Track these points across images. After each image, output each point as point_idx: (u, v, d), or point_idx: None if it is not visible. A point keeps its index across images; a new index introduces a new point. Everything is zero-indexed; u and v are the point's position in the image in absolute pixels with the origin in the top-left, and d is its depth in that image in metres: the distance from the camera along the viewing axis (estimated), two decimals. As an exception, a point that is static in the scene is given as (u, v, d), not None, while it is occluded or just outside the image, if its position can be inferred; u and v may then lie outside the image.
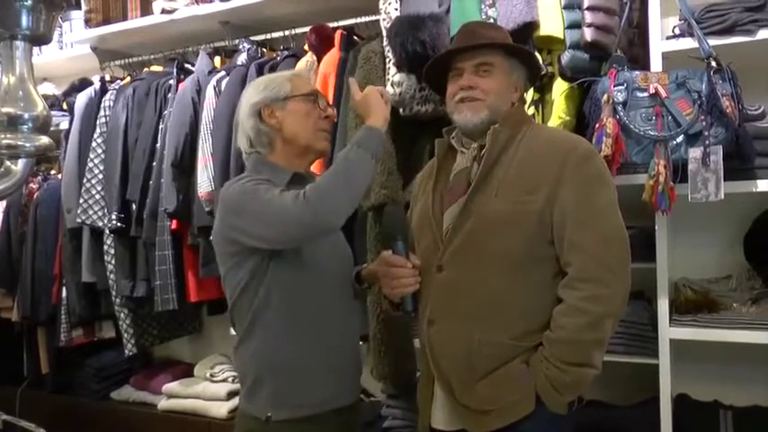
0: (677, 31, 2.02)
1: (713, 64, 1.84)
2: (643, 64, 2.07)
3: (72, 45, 3.27)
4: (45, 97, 3.19)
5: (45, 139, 0.94)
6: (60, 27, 3.36)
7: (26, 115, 0.90)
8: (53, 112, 3.22)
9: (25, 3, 0.87)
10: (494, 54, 1.59)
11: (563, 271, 1.48)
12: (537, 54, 2.02)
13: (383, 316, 2.14)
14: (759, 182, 1.95)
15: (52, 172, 3.30)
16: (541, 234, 1.47)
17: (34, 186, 3.20)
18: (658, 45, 2.00)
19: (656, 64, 1.99)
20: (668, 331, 2.02)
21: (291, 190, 1.54)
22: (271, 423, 1.61)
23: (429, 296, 1.58)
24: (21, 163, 0.92)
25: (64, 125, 3.11)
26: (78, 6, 3.10)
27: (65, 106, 3.21)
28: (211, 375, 2.86)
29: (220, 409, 2.74)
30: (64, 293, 3.02)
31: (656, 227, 2.02)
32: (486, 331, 1.49)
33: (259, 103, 1.67)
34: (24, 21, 0.88)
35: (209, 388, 2.83)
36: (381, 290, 1.69)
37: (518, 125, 1.58)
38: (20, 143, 0.90)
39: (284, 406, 1.61)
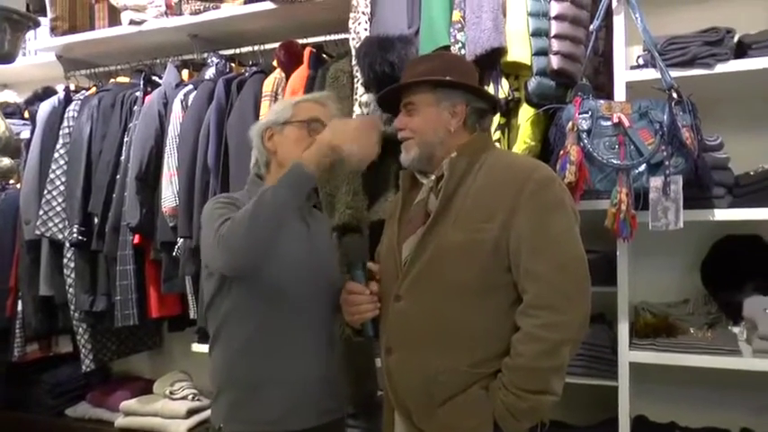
0: (641, 61, 2.07)
1: (674, 95, 1.89)
2: (608, 92, 2.12)
3: (36, 52, 3.19)
4: (6, 105, 3.16)
5: (6, 161, 0.93)
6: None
7: (-13, 137, 0.88)
8: (13, 121, 3.15)
9: (-11, 24, 0.85)
10: (416, 91, 1.61)
11: (521, 297, 1.48)
12: (504, 79, 2.06)
13: (344, 336, 2.13)
14: (716, 211, 2.00)
15: (11, 182, 3.21)
16: (497, 262, 1.47)
17: (-9, 196, 3.12)
18: (622, 74, 2.04)
19: (620, 93, 2.04)
20: (628, 355, 2.06)
21: None
22: None
23: (387, 325, 1.60)
24: (-20, 184, 0.90)
25: (25, 134, 3.03)
26: (44, 13, 3.05)
27: (26, 115, 3.13)
28: (171, 393, 2.81)
29: (179, 428, 2.69)
30: (19, 307, 2.94)
31: (618, 252, 2.06)
32: (443, 359, 1.49)
33: (264, 125, 1.75)
34: (-12, 41, 0.86)
35: (169, 405, 2.78)
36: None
37: (477, 153, 1.58)
38: (-21, 165, 0.88)
39: (235, 419, 1.64)
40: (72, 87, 3.02)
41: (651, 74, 2.00)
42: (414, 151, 1.60)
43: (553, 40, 1.97)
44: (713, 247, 2.30)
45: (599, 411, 2.34)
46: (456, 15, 2.06)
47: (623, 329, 2.06)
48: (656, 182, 1.90)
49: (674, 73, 1.96)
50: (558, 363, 1.42)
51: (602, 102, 1.95)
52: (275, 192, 1.49)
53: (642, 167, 1.90)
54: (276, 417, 1.62)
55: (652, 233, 1.96)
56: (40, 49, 3.12)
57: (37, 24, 0.95)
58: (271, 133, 1.72)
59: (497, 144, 2.02)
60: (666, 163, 1.88)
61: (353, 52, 2.18)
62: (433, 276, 1.52)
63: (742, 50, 2.00)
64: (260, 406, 1.62)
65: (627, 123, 1.91)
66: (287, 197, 1.50)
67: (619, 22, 2.04)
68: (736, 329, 2.15)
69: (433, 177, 1.60)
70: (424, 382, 1.51)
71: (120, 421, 2.83)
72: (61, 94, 2.97)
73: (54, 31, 2.96)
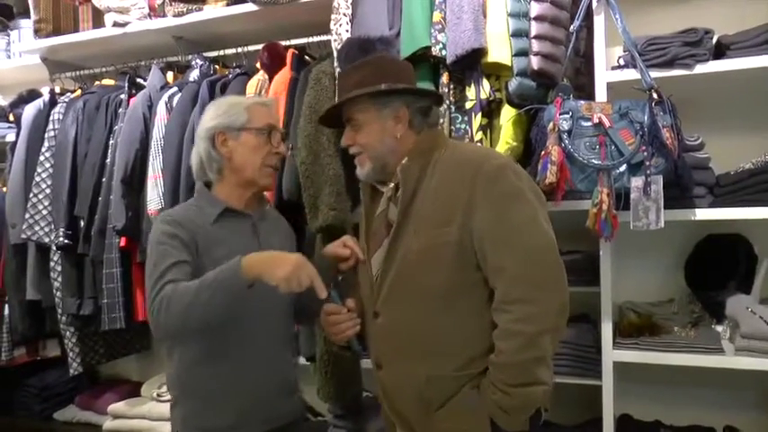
0: (622, 62, 2.07)
1: (654, 96, 1.89)
2: (589, 92, 2.12)
3: (20, 55, 3.18)
4: (-10, 107, 3.13)
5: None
6: (8, 36, 3.28)
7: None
8: (-2, 124, 3.14)
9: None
10: (355, 105, 1.59)
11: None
12: (485, 80, 2.05)
13: (333, 353, 2.13)
14: (698, 210, 2.01)
15: (-4, 185, 3.20)
16: (464, 262, 1.46)
17: (-24, 200, 3.10)
18: (603, 75, 2.04)
19: (600, 93, 2.04)
20: (611, 354, 2.07)
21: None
22: None
23: (371, 341, 1.61)
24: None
25: (10, 137, 3.03)
26: (28, 15, 3.04)
27: (11, 118, 3.11)
28: (158, 395, 2.81)
29: (167, 430, 2.69)
30: (6, 311, 2.93)
31: (601, 252, 2.06)
32: (430, 368, 1.50)
33: (214, 128, 1.68)
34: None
35: (156, 408, 2.77)
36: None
37: (428, 153, 1.56)
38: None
39: (192, 428, 1.66)
40: (57, 90, 3.00)
41: (632, 74, 2.00)
42: (367, 165, 1.60)
43: (533, 40, 1.97)
44: (696, 247, 2.30)
45: (584, 411, 2.35)
46: (436, 16, 2.06)
47: (607, 329, 2.07)
48: (636, 182, 1.90)
49: (654, 73, 1.96)
50: (539, 353, 1.41)
51: (582, 102, 1.96)
52: (211, 294, 1.44)
53: (623, 168, 1.91)
54: (229, 423, 1.63)
55: (636, 233, 1.96)
56: (24, 52, 3.11)
57: (5, 26, 0.93)
58: (224, 138, 1.67)
59: (480, 144, 2.03)
60: (647, 163, 1.88)
61: (335, 54, 2.18)
62: (405, 287, 1.52)
63: (720, 51, 2.00)
64: (213, 414, 1.63)
65: (607, 124, 1.91)
66: (221, 300, 1.46)
67: (599, 22, 2.04)
68: (719, 328, 2.16)
69: (391, 186, 1.59)
70: (416, 392, 1.52)
71: (108, 424, 2.83)
72: (46, 97, 2.95)
73: (38, 33, 2.95)
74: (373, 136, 1.58)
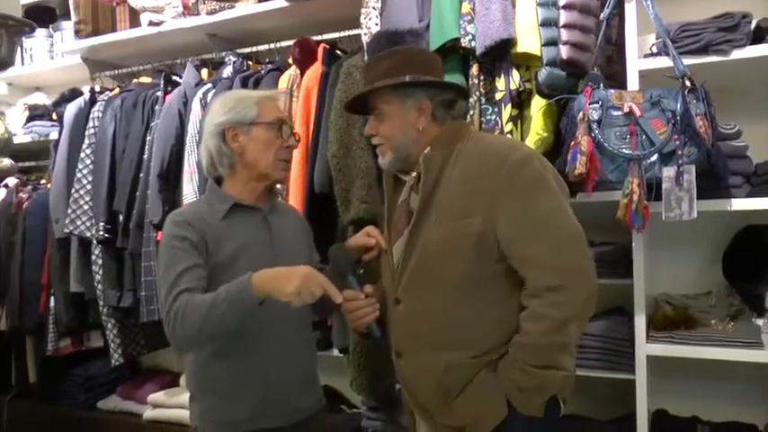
0: (654, 49, 2.03)
1: (687, 83, 1.85)
2: (622, 81, 2.08)
3: (63, 55, 3.29)
4: (35, 107, 3.25)
5: (6, 161, 0.96)
6: (51, 37, 3.39)
7: (-13, 139, 0.92)
8: (42, 122, 3.24)
9: (-15, 31, 0.89)
10: (379, 95, 1.59)
11: (515, 286, 1.47)
12: (514, 70, 2.04)
13: (357, 340, 2.15)
14: (733, 200, 1.95)
15: (42, 181, 3.31)
16: (485, 254, 1.46)
17: (24, 196, 3.21)
18: (635, 63, 2.01)
19: (633, 82, 2.00)
20: (645, 347, 2.03)
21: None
22: None
23: (392, 329, 1.62)
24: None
25: (53, 135, 3.13)
26: (68, 17, 3.13)
27: (54, 116, 3.22)
28: (197, 385, 2.87)
29: (204, 420, 2.75)
30: (52, 303, 3.03)
31: (633, 244, 2.02)
32: (449, 356, 1.50)
33: (224, 123, 1.66)
34: (-15, 48, 0.90)
35: (195, 398, 2.84)
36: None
37: (451, 143, 1.55)
38: (-21, 165, 0.91)
39: (209, 422, 1.67)
40: (97, 88, 3.09)
41: (664, 62, 1.95)
42: (389, 156, 1.60)
43: (562, 29, 1.94)
44: (734, 238, 2.24)
45: (619, 405, 2.31)
46: (465, 7, 2.05)
47: (640, 322, 2.03)
48: (668, 172, 1.86)
49: (688, 61, 1.91)
50: (564, 339, 1.41)
51: (612, 91, 1.92)
52: (223, 311, 1.44)
53: (654, 157, 1.87)
54: (246, 417, 1.63)
55: (671, 224, 1.92)
56: (66, 52, 3.21)
57: (33, 29, 0.97)
58: (234, 133, 1.66)
59: (510, 135, 2.02)
60: (679, 152, 1.84)
61: (365, 47, 2.19)
62: (424, 276, 1.53)
63: (759, 36, 1.94)
64: (229, 409, 1.63)
65: (638, 113, 1.87)
66: (234, 317, 1.46)
67: (630, 9, 2.00)
68: (759, 322, 2.10)
69: (413, 175, 1.59)
70: (435, 380, 1.52)
71: (149, 413, 2.91)
72: (87, 96, 3.03)
73: (78, 34, 3.04)
74: (395, 127, 1.58)
